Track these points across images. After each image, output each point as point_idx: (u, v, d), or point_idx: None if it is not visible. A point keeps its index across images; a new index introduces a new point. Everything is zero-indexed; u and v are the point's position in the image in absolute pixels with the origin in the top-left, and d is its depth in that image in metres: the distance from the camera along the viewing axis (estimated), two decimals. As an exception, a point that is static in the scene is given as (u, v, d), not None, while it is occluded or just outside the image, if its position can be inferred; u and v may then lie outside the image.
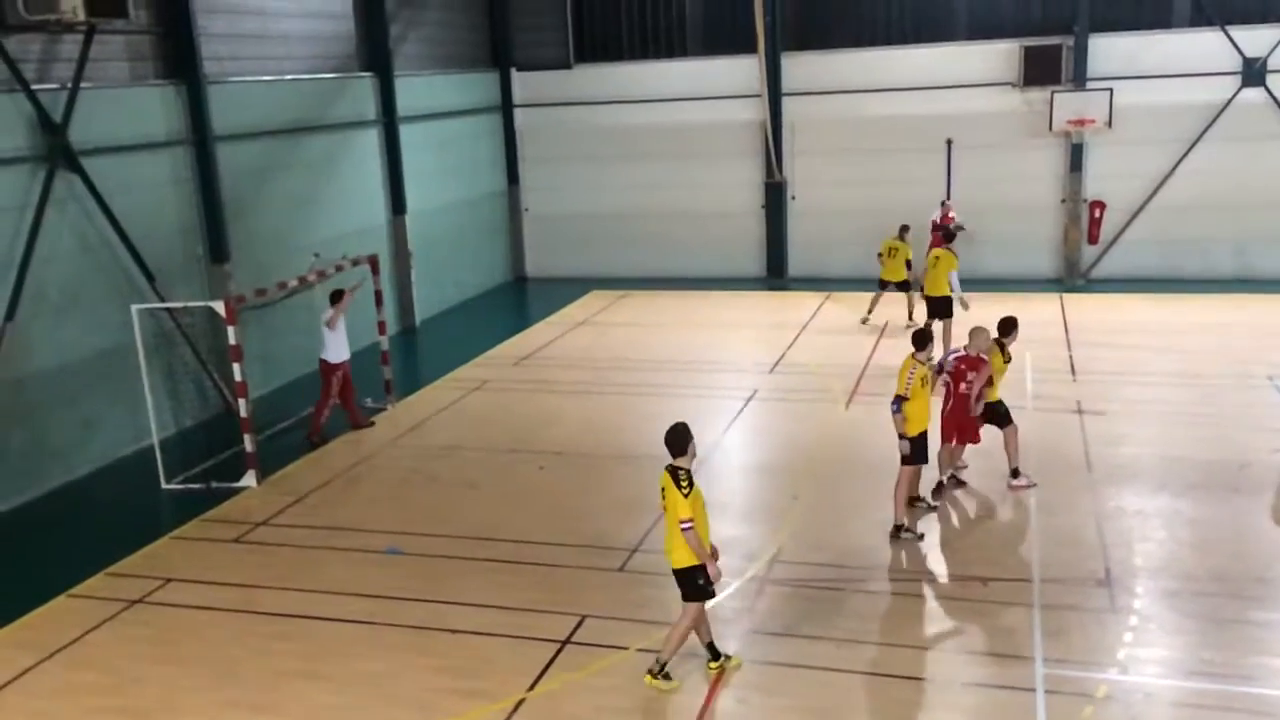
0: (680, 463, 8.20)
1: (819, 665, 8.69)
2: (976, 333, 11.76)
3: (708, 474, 13.01)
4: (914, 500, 11.54)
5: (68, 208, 13.67)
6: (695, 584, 8.28)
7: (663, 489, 8.27)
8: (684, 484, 8.08)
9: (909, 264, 19.31)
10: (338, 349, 14.61)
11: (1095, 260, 22.84)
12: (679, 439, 8.23)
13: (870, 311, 19.72)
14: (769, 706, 8.24)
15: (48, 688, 8.91)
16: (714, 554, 8.36)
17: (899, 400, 10.75)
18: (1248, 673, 8.37)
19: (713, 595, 8.45)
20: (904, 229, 19.63)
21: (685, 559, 8.21)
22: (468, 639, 9.35)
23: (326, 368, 14.63)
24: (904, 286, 19.49)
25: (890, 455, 11.93)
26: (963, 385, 11.63)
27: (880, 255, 19.58)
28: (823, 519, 11.61)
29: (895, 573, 10.38)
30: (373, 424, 15.25)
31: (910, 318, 19.35)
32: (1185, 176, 22.01)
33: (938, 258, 16.96)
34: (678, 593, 8.40)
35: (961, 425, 11.83)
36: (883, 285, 19.58)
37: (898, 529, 10.99)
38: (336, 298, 14.68)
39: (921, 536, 11.04)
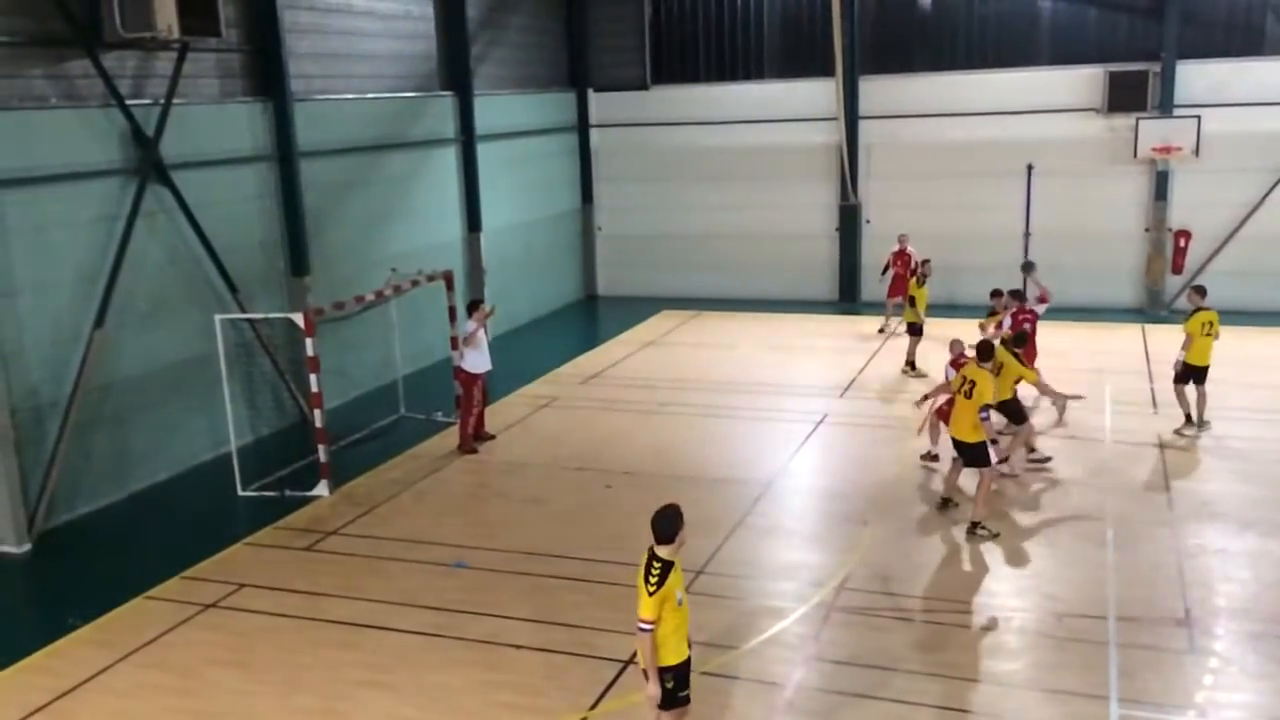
0: (662, 551, 6.80)
1: (885, 696, 8.55)
2: (955, 343, 13.52)
3: (775, 498, 12.94)
4: (946, 501, 12.19)
5: (157, 219, 14.08)
6: (664, 687, 6.96)
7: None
8: (653, 579, 6.70)
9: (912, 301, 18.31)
10: (478, 360, 14.79)
11: (1179, 291, 22.26)
12: (668, 524, 6.81)
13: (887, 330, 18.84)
14: (833, 736, 8.11)
15: (123, 687, 9.12)
16: (682, 667, 6.98)
17: (988, 408, 11.38)
18: (1336, 722, 8.05)
19: (683, 703, 7.10)
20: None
21: (665, 657, 6.91)
22: (531, 655, 9.37)
23: (466, 378, 14.78)
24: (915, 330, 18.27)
25: (961, 482, 11.76)
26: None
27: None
28: (892, 547, 11.44)
29: (965, 604, 10.17)
30: (494, 437, 15.37)
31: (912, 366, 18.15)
32: (1275, 207, 21.42)
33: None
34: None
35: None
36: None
37: (974, 525, 11.56)
38: (473, 308, 14.92)
39: (997, 535, 11.43)
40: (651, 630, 6.75)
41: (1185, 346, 14.37)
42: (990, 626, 9.67)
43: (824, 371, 18.54)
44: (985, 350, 11.92)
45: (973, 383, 11.43)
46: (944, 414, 12.78)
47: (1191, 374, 14.43)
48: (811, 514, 12.75)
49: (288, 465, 14.40)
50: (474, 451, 14.84)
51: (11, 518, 12.03)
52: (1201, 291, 14.64)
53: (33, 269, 12.43)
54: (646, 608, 6.71)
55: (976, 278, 21.84)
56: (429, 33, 20.07)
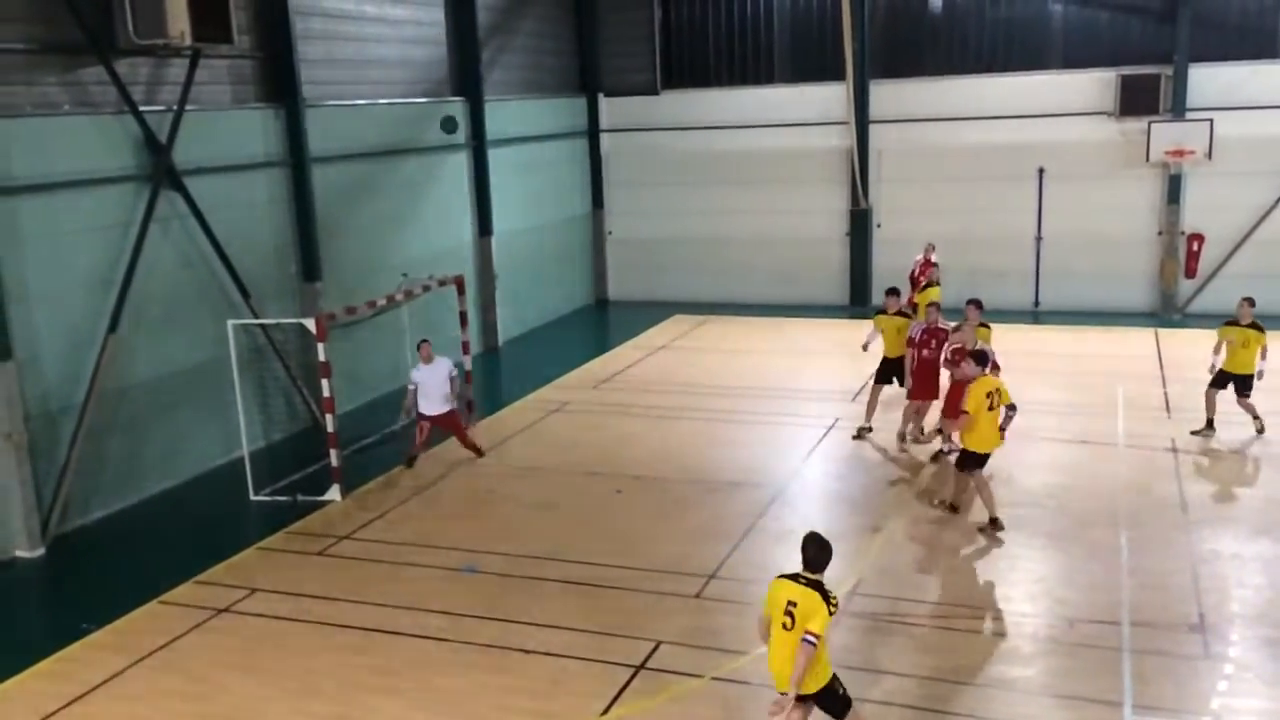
0: (816, 576, 7.18)
1: (897, 702, 8.52)
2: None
3: (787, 502, 12.92)
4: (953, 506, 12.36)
5: (170, 225, 14.14)
6: (837, 695, 7.38)
7: (790, 603, 7.11)
8: (833, 598, 7.12)
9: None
10: (424, 403, 14.16)
11: (1193, 295, 22.19)
12: (826, 553, 7.24)
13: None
14: (845, 741, 8.08)
15: (136, 691, 9.16)
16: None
17: (1012, 407, 11.79)
18: (1352, 729, 8.00)
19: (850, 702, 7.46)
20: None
21: (821, 677, 7.24)
22: (541, 659, 9.37)
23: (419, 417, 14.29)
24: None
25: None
26: (925, 351, 14.16)
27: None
28: (905, 552, 11.41)
29: (978, 610, 10.14)
30: (482, 454, 14.90)
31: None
32: (1289, 210, 21.34)
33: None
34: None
35: (925, 385, 14.25)
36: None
37: (993, 521, 11.79)
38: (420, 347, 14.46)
39: (1000, 526, 11.72)
40: (817, 643, 7.06)
41: (1264, 356, 14.22)
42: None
43: (835, 376, 18.48)
44: (981, 356, 12.26)
45: (997, 390, 11.68)
46: (920, 405, 14.51)
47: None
48: (823, 518, 12.70)
49: (300, 470, 14.44)
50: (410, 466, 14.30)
51: (25, 522, 12.08)
52: (1253, 303, 14.54)
53: (47, 275, 12.49)
54: (822, 624, 7.06)
55: (987, 281, 21.81)
56: (440, 38, 20.13)
